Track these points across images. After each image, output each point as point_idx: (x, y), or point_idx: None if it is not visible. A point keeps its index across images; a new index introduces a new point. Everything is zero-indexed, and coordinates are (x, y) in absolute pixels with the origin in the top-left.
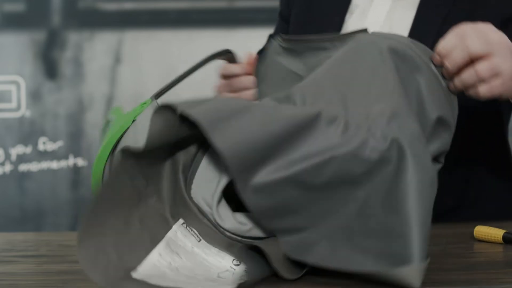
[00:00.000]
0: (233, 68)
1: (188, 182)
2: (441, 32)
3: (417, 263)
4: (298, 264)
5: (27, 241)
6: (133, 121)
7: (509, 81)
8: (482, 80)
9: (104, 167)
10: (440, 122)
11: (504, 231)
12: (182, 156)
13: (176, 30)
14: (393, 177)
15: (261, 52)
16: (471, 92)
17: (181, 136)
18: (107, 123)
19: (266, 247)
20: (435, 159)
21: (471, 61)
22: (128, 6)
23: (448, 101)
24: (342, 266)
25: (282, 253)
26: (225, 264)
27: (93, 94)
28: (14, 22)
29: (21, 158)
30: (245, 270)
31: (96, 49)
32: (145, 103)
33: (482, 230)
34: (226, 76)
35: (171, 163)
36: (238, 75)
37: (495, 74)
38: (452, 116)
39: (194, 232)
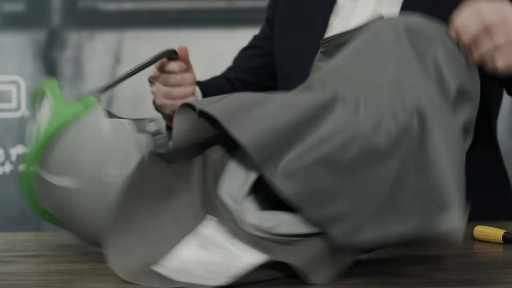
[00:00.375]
0: (171, 65)
1: (217, 179)
2: None
3: (457, 208)
4: (324, 268)
5: (27, 241)
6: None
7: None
8: (498, 49)
9: (36, 167)
10: (462, 93)
11: (504, 231)
12: (212, 154)
13: (176, 30)
14: (420, 142)
15: (246, 49)
16: (489, 64)
17: (209, 135)
18: (39, 97)
19: (290, 254)
20: (464, 130)
21: (487, 33)
22: (128, 6)
23: (468, 74)
24: (390, 240)
25: (308, 257)
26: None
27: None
28: (14, 22)
29: (21, 158)
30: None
31: (96, 49)
32: (87, 100)
33: (482, 230)
34: (162, 70)
35: (202, 160)
36: (174, 72)
37: (510, 41)
38: (474, 88)
39: (226, 228)
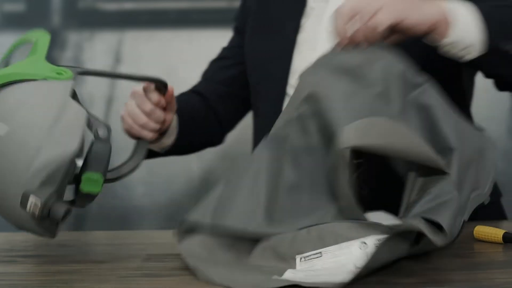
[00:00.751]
0: (152, 94)
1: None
2: None
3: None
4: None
5: (27, 241)
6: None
7: (394, 5)
8: (365, 16)
9: None
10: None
11: (504, 231)
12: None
13: (176, 30)
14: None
15: (217, 61)
16: (378, 29)
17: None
18: (24, 41)
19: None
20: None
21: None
22: (128, 6)
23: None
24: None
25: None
26: (355, 251)
27: (93, 94)
28: (14, 22)
29: None
30: (375, 244)
31: (96, 49)
32: (64, 71)
33: (482, 230)
34: (145, 92)
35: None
36: (151, 100)
37: (376, 6)
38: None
39: (312, 255)
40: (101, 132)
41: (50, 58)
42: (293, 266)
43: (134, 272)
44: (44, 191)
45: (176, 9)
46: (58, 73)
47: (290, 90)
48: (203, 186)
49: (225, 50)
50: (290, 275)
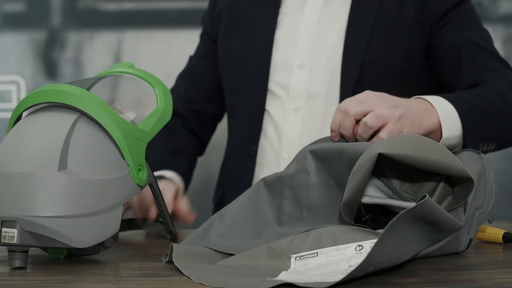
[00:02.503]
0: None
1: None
2: (377, 18)
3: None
4: None
5: None
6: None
7: (400, 122)
8: (372, 128)
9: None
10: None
11: (504, 231)
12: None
13: (176, 30)
14: None
15: (187, 74)
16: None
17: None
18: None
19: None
20: None
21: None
22: (128, 6)
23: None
24: None
25: None
26: (350, 252)
27: None
28: (14, 22)
29: None
30: (370, 246)
31: (96, 49)
32: (142, 173)
33: (482, 230)
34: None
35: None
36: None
37: (382, 120)
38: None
39: (308, 254)
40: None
41: (50, 58)
42: (288, 265)
43: (134, 272)
44: None
45: (176, 9)
46: (139, 169)
47: (272, 86)
48: (203, 186)
49: (194, 59)
50: (284, 277)
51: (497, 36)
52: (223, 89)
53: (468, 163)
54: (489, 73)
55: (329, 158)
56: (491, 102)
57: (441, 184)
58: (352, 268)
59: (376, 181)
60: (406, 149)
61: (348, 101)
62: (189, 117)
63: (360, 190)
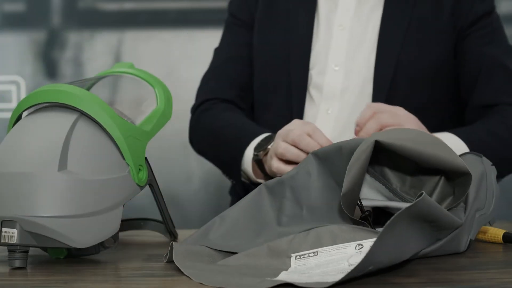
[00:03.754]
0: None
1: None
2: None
3: None
4: None
5: None
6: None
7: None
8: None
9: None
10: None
11: (504, 231)
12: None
13: (176, 30)
14: None
15: (239, 48)
16: None
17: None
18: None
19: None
20: None
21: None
22: (128, 6)
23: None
24: None
25: None
26: (350, 251)
27: None
28: (14, 22)
29: None
30: (371, 245)
31: (96, 49)
32: (142, 173)
33: (482, 230)
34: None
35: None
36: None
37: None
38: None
39: (308, 253)
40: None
41: (50, 58)
42: (288, 264)
43: (134, 272)
44: None
45: (176, 9)
46: (139, 169)
47: (308, 86)
48: (203, 186)
49: (236, 47)
50: (284, 276)
51: None
52: (254, 81)
53: (469, 164)
54: (502, 95)
55: (329, 157)
56: (501, 137)
57: (441, 184)
58: (352, 267)
59: (377, 184)
60: (404, 140)
61: (384, 108)
62: (240, 103)
63: (359, 180)
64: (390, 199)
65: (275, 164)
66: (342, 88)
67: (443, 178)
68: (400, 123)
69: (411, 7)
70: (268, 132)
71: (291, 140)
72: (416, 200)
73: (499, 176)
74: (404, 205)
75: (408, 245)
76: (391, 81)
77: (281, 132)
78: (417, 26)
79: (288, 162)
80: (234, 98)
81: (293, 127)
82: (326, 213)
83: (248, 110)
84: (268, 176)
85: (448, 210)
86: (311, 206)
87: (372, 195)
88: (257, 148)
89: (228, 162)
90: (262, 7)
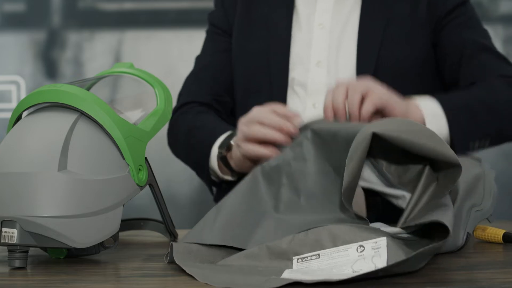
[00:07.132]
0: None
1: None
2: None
3: None
4: None
5: None
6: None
7: (383, 95)
8: (358, 93)
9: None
10: None
11: (504, 231)
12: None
13: (176, 30)
14: None
15: (217, 55)
16: (355, 111)
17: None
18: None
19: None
20: None
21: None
22: (128, 6)
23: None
24: None
25: None
26: (353, 255)
27: None
28: (14, 22)
29: None
30: (372, 247)
31: (96, 49)
32: (142, 173)
33: (482, 230)
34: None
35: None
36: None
37: (369, 90)
38: None
39: (310, 256)
40: (107, 243)
41: (50, 58)
42: (289, 266)
43: (134, 272)
44: None
45: (175, 9)
46: (139, 169)
47: (290, 83)
48: (203, 186)
49: (214, 55)
50: (288, 275)
51: (497, 36)
52: (235, 86)
53: (467, 166)
54: (488, 70)
55: (324, 142)
56: (482, 100)
57: (427, 170)
58: (356, 274)
59: (372, 168)
60: (399, 131)
61: (359, 85)
62: (217, 106)
63: (358, 173)
64: (376, 175)
65: (250, 147)
66: (326, 83)
67: (428, 166)
68: (370, 87)
69: (388, 4)
70: (233, 129)
71: (251, 117)
72: (438, 243)
73: (491, 144)
74: (395, 192)
75: (417, 260)
76: (373, 77)
77: (241, 118)
78: (395, 23)
79: (261, 142)
80: (211, 102)
81: (252, 111)
82: (323, 200)
83: (227, 113)
84: (234, 172)
85: (433, 199)
86: (308, 194)
87: (372, 179)
88: (221, 146)
89: (198, 163)
90: (240, 13)
